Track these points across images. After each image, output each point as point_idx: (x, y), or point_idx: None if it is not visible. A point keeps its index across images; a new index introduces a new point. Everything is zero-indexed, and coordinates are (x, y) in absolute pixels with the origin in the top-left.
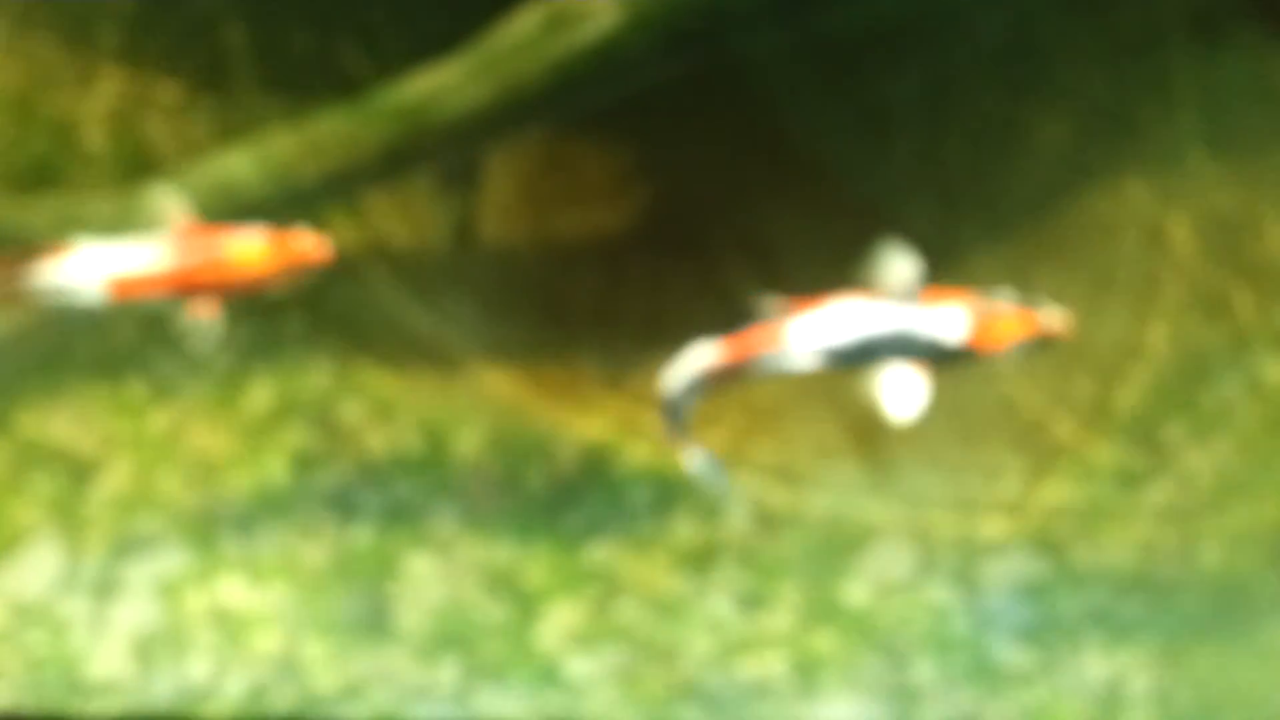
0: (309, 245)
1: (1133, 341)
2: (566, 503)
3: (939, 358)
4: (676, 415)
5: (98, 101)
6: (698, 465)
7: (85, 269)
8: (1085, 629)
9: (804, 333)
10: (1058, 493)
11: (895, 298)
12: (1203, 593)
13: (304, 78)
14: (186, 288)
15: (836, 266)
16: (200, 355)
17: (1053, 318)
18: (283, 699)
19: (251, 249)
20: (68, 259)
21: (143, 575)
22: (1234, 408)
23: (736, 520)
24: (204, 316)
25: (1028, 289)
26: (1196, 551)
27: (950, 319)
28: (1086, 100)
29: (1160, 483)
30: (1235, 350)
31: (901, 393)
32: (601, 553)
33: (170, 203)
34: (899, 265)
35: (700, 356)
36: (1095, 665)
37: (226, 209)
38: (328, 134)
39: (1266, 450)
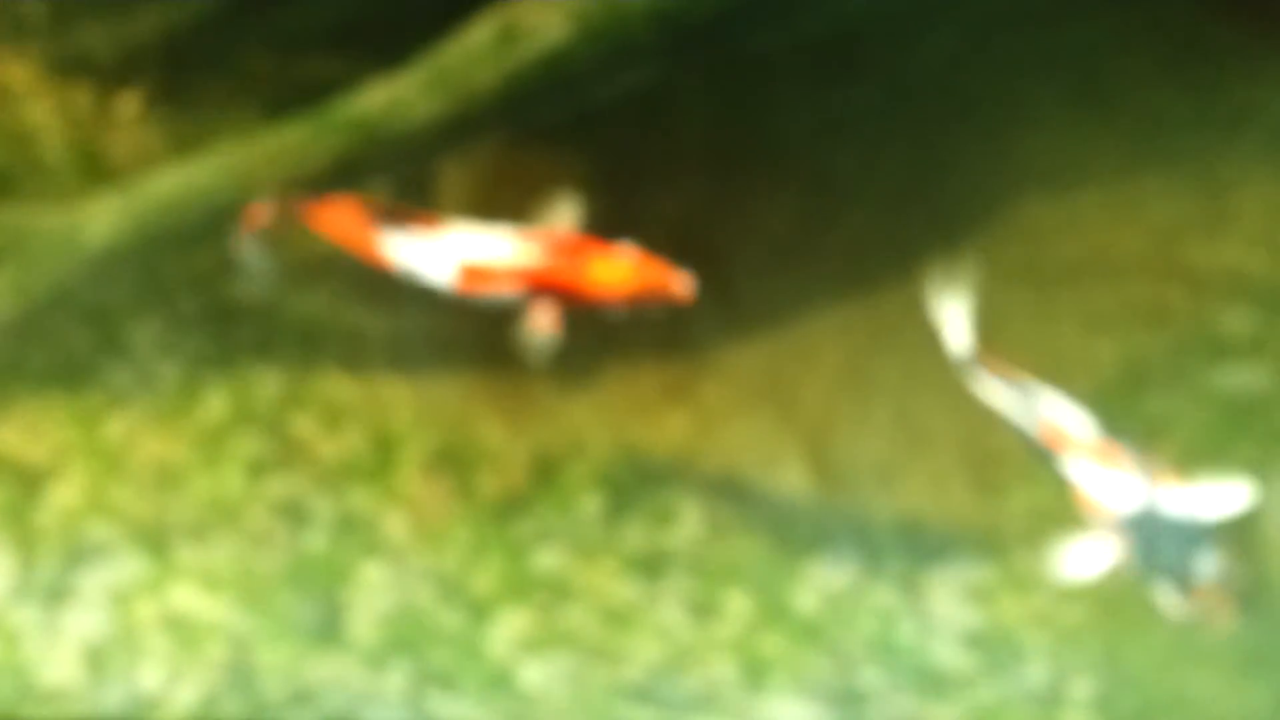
0: (673, 279)
1: (1077, 350)
2: (516, 511)
3: None
4: None
5: (56, 114)
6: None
7: (443, 250)
8: (1028, 633)
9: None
10: (1002, 499)
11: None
12: (1143, 597)
13: (261, 90)
14: (538, 289)
15: (784, 273)
16: (535, 363)
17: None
18: (234, 705)
19: (617, 268)
20: (430, 235)
21: (95, 583)
22: (1177, 415)
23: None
24: (544, 324)
25: (973, 296)
26: None
27: None
28: (1036, 111)
29: None
30: (1177, 358)
31: None
32: (551, 560)
33: (566, 208)
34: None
35: None
36: (1038, 669)
37: (185, 219)
38: (284, 145)
39: (1207, 456)
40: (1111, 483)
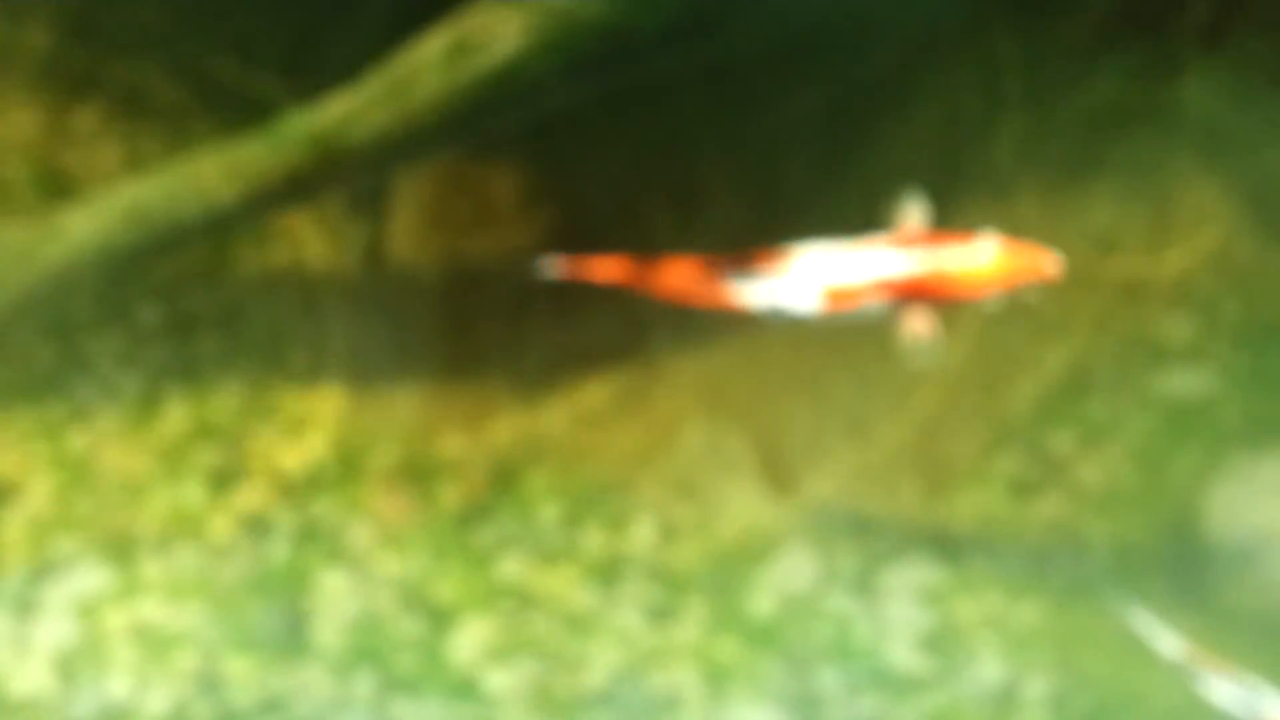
0: (1042, 260)
1: (1022, 355)
2: (477, 519)
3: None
4: None
5: (14, 130)
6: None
7: (801, 280)
8: (982, 634)
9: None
10: (953, 503)
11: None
12: (1095, 600)
13: (217, 105)
14: (906, 296)
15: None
16: (919, 369)
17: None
18: (203, 713)
19: (983, 260)
20: (786, 268)
21: (63, 594)
22: (1121, 420)
23: None
24: (921, 329)
25: None
26: (1088, 559)
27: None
28: (978, 119)
29: (1051, 493)
30: (1120, 364)
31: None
32: (512, 567)
33: (912, 207)
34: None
35: None
36: (992, 670)
37: (144, 233)
38: (241, 159)
39: (1151, 460)
40: None
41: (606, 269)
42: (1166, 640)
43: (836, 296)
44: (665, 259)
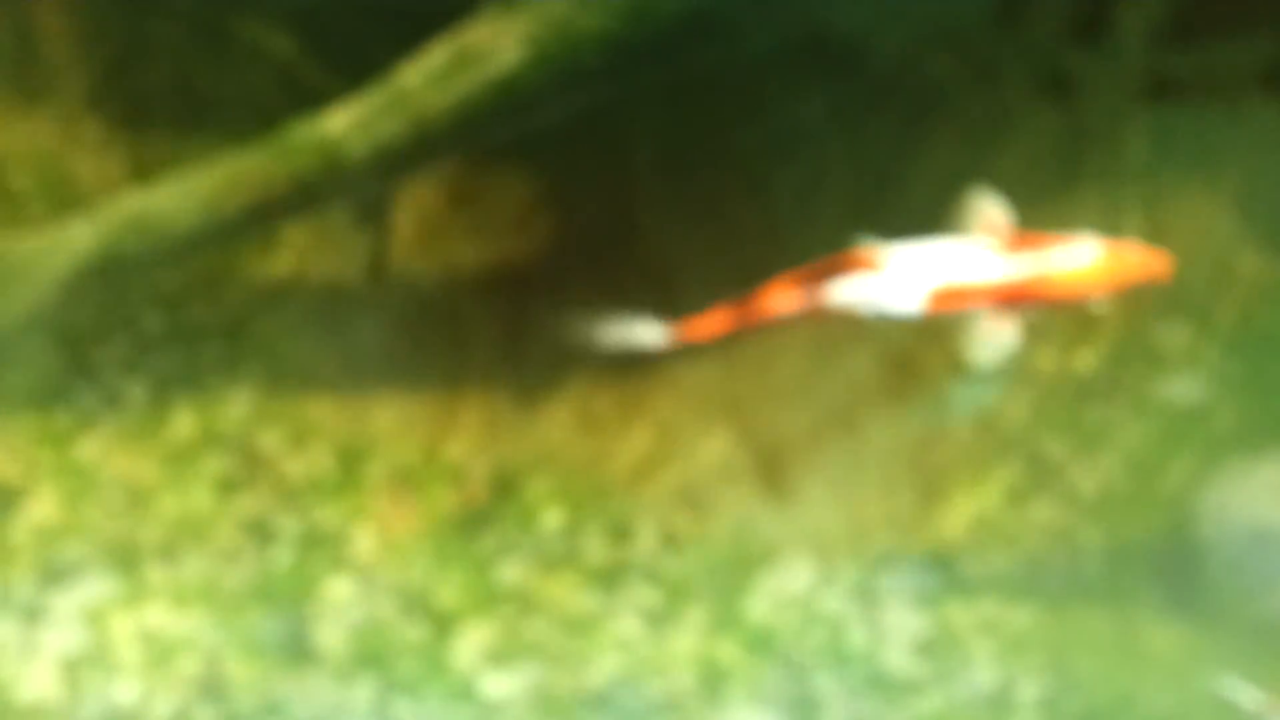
0: (1151, 259)
1: (1017, 361)
2: (479, 525)
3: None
4: None
5: (22, 141)
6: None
7: (906, 280)
8: (976, 639)
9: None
10: (948, 508)
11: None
12: (1088, 604)
13: (222, 116)
14: (1012, 300)
15: (736, 289)
16: (988, 369)
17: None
18: (207, 718)
19: (1086, 261)
20: (887, 270)
21: (69, 601)
22: (1116, 425)
23: None
24: (1003, 332)
25: None
26: (1082, 564)
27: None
28: (977, 125)
29: (1047, 498)
30: (1114, 369)
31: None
32: (514, 573)
33: (991, 208)
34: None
35: None
36: (986, 674)
37: (150, 243)
38: (246, 169)
39: (1149, 466)
40: None
41: (713, 324)
42: (1247, 696)
43: (941, 298)
44: (761, 288)
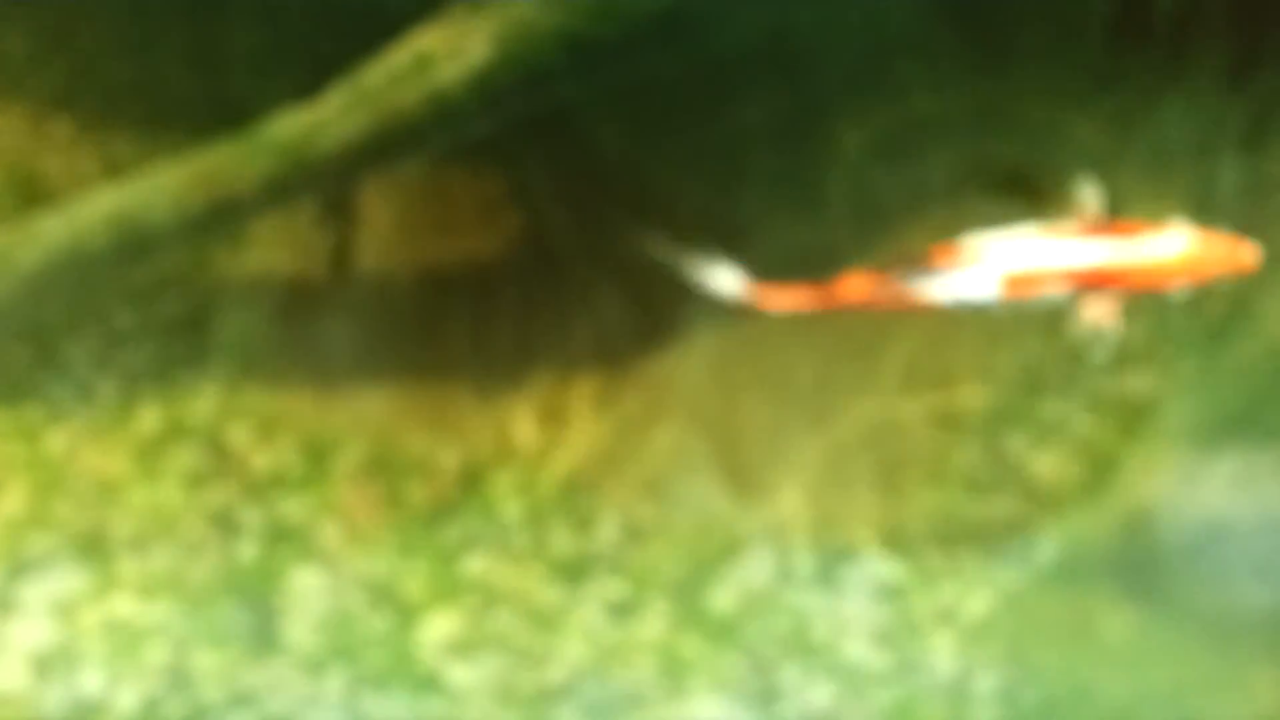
0: (1238, 250)
1: (976, 358)
2: (445, 517)
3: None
4: None
5: None
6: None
7: (981, 271)
8: (935, 630)
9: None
10: (909, 501)
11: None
12: (1046, 595)
13: (190, 113)
14: (1090, 284)
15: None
16: (1097, 362)
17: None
18: (175, 709)
19: (1174, 250)
20: (967, 260)
21: (39, 593)
22: (1070, 418)
23: None
24: (1102, 318)
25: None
26: (1038, 555)
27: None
28: (934, 128)
29: (1005, 491)
30: (1071, 365)
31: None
32: (478, 565)
33: (1087, 191)
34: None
35: None
36: (946, 664)
37: (119, 239)
38: (213, 166)
39: (1104, 460)
40: None
41: (790, 298)
42: None
43: (1016, 283)
44: (842, 276)
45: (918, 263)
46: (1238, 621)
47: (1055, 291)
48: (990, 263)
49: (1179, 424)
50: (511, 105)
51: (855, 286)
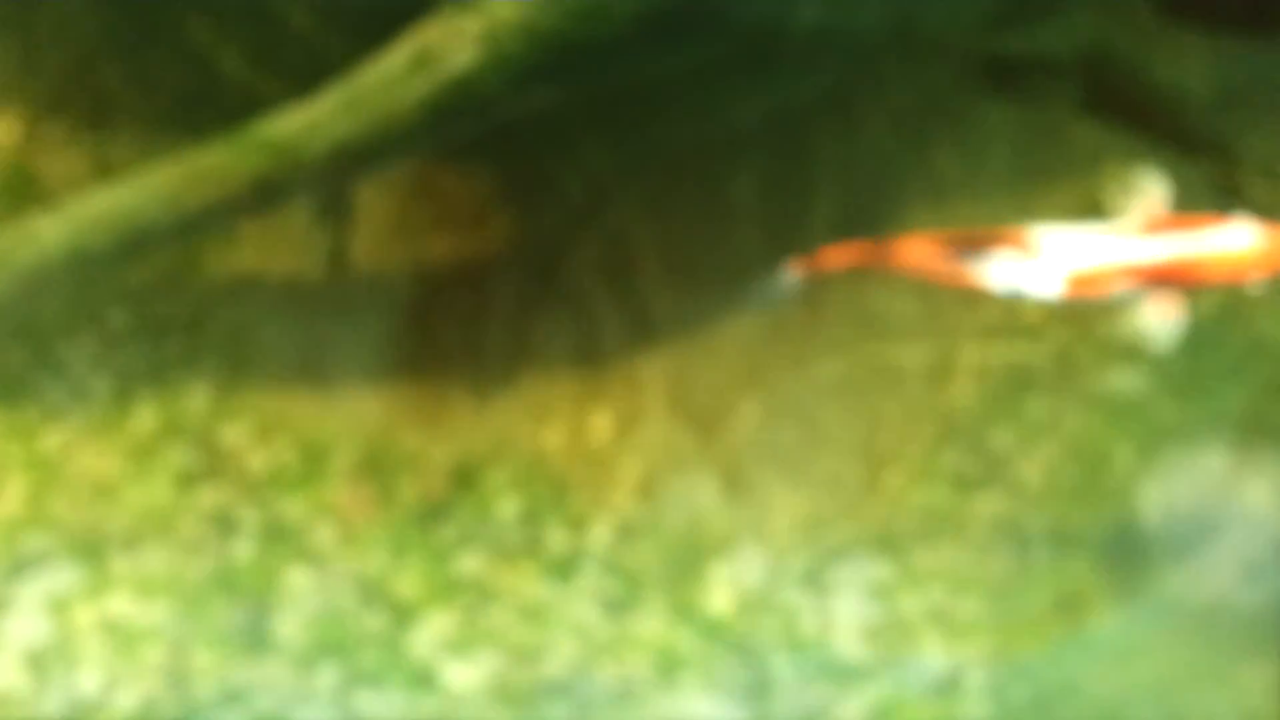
0: None
1: (967, 358)
2: (438, 516)
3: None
4: None
5: None
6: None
7: (1044, 263)
8: (925, 627)
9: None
10: (898, 499)
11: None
12: (1034, 592)
13: (184, 114)
14: (1156, 280)
15: (688, 285)
16: (1157, 356)
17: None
18: (170, 707)
19: (1240, 245)
20: (1030, 249)
21: (35, 592)
22: (1059, 417)
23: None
24: (1167, 312)
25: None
26: (1028, 553)
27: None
28: (916, 130)
29: (993, 488)
30: (1060, 364)
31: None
32: (472, 563)
33: (1151, 185)
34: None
35: None
36: (935, 661)
37: (113, 239)
38: (206, 166)
39: (1093, 457)
40: None
41: (844, 255)
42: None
43: (1081, 282)
44: (903, 238)
45: (980, 242)
46: (1226, 619)
47: (1121, 288)
48: (1055, 257)
49: (1168, 421)
50: (506, 105)
51: (913, 250)
